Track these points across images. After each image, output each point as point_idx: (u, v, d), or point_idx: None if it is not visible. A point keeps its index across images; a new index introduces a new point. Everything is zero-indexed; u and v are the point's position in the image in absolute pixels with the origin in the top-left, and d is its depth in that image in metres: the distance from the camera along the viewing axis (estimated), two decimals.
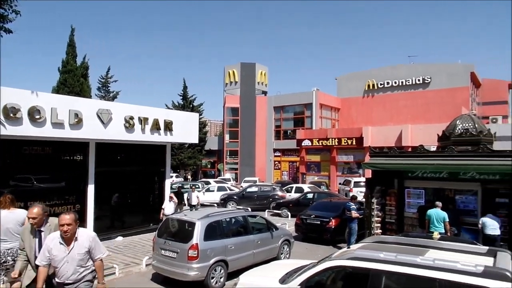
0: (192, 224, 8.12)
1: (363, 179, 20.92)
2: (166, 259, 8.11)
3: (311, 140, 31.72)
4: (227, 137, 38.65)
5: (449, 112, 27.33)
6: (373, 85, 36.39)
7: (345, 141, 29.64)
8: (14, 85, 9.30)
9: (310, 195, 18.97)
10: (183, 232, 8.27)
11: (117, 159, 12.98)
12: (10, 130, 8.94)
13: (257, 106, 37.52)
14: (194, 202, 16.27)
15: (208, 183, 26.25)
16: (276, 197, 20.78)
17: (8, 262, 5.50)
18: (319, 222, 12.81)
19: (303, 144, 32.28)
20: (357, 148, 28.91)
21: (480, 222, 9.15)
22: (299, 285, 5.00)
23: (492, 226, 8.90)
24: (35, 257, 4.69)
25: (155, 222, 13.12)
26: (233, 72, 38.20)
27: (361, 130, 29.00)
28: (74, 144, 11.21)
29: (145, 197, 14.04)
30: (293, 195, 21.09)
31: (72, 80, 25.97)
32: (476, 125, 10.91)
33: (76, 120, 10.28)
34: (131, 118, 11.88)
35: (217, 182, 27.04)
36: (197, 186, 21.43)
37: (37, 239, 4.90)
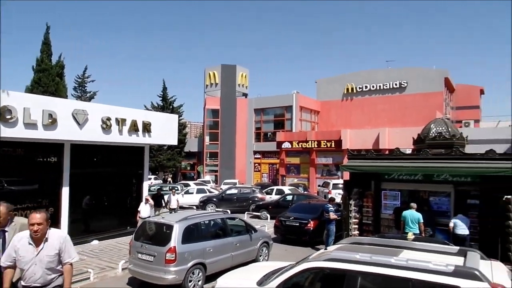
0: (170, 227, 8.02)
1: (341, 181, 21.23)
2: (143, 263, 7.97)
3: (291, 143, 31.96)
4: (207, 139, 38.44)
5: (424, 116, 28.10)
6: (352, 88, 37.02)
7: (324, 144, 30.03)
8: None
9: (289, 197, 19.08)
10: (160, 235, 8.16)
11: (93, 161, 12.69)
12: None
13: (237, 108, 37.51)
14: (174, 205, 16.09)
15: (187, 185, 25.99)
16: (256, 199, 20.78)
17: None
18: (298, 224, 12.90)
19: (283, 147, 32.49)
20: (336, 150, 29.33)
21: (452, 222, 9.46)
22: (276, 287, 5.01)
23: (461, 226, 9.24)
24: None
25: (132, 225, 12.87)
26: (214, 74, 38.09)
27: (340, 133, 29.45)
28: (48, 145, 10.88)
29: (122, 200, 13.77)
30: (274, 197, 21.15)
31: (47, 79, 25.29)
32: (449, 129, 11.27)
33: (50, 120, 9.99)
34: (108, 119, 11.65)
35: (196, 184, 26.83)
36: (176, 188, 21.19)
37: (0, 239, 4.61)
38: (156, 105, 38.72)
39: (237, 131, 37.20)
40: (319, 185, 28.39)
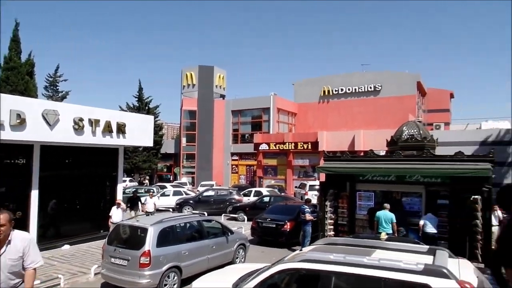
0: (144, 230, 7.88)
1: (317, 182, 21.48)
2: (116, 267, 7.79)
3: (268, 144, 32.09)
4: (184, 140, 38.04)
5: (398, 119, 28.78)
6: (329, 91, 37.56)
7: (301, 145, 30.31)
8: None
9: (266, 199, 19.14)
10: (134, 238, 8.00)
11: (65, 163, 12.31)
12: None
13: (215, 109, 37.33)
14: (151, 209, 15.37)
15: (164, 187, 25.61)
16: (233, 201, 20.73)
17: None
18: (274, 226, 12.95)
19: (260, 148, 32.58)
20: (313, 152, 29.66)
21: (421, 221, 9.78)
22: None
23: (429, 225, 9.58)
24: None
25: (105, 229, 12.54)
26: (191, 74, 37.74)
27: (317, 135, 29.82)
28: (16, 146, 10.46)
29: (96, 203, 13.41)
30: (252, 199, 21.15)
31: (16, 78, 24.37)
32: (421, 131, 11.62)
33: (18, 121, 9.61)
34: (81, 119, 11.33)
35: (173, 186, 26.46)
36: (152, 190, 20.81)
37: None
38: (131, 106, 37.97)
39: (214, 132, 37.00)
40: (296, 187, 28.63)
